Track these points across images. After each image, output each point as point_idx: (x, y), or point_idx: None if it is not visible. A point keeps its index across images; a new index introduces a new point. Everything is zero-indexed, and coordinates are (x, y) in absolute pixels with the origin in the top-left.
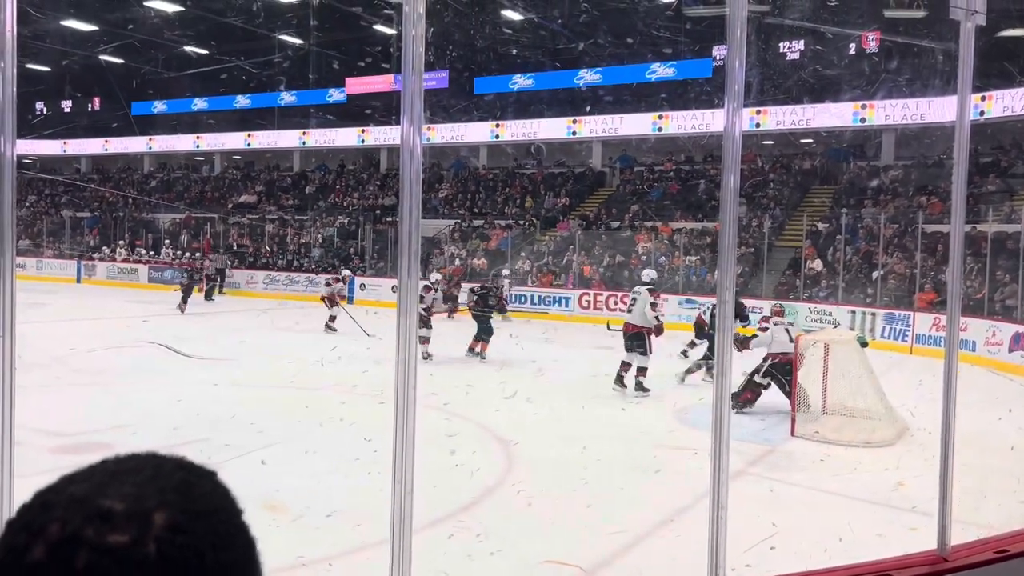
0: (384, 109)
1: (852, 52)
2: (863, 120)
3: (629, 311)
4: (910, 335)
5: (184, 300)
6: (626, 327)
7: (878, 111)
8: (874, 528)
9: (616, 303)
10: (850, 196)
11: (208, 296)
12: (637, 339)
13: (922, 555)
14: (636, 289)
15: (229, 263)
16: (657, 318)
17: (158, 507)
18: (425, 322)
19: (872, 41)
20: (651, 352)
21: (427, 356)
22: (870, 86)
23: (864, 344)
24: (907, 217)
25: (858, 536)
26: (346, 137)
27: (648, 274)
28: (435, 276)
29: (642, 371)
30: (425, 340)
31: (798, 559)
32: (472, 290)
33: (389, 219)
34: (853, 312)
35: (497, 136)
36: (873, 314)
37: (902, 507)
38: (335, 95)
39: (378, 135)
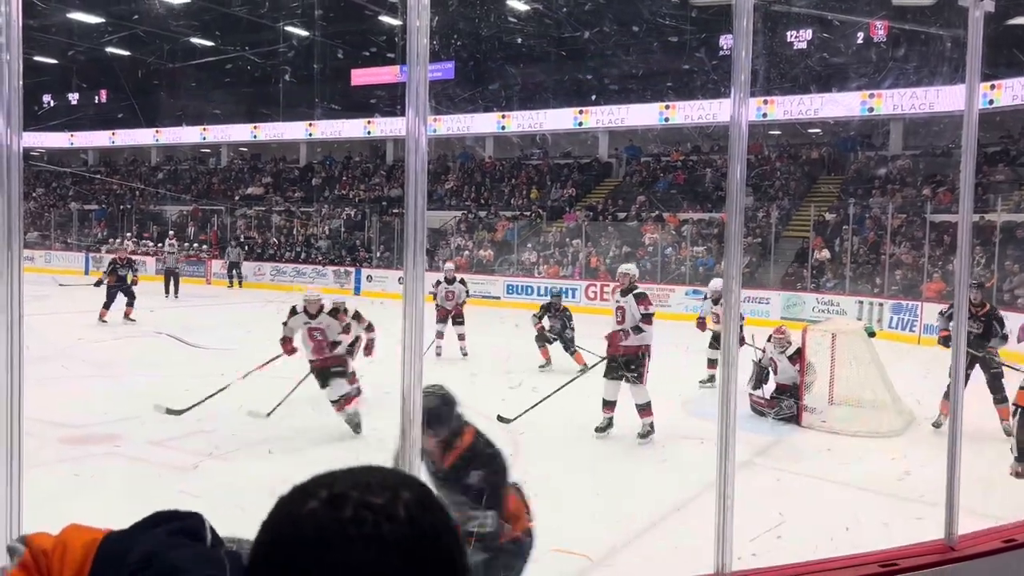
0: (389, 100)
1: (860, 41)
2: (871, 110)
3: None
4: (918, 325)
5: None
6: (615, 347)
7: (886, 100)
8: (881, 517)
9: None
10: (857, 186)
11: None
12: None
13: (929, 544)
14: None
15: (242, 255)
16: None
17: (403, 487)
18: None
19: (880, 29)
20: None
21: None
22: (878, 75)
23: (871, 334)
24: (915, 207)
25: (865, 526)
26: (352, 129)
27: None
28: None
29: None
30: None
31: (804, 548)
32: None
33: (395, 210)
34: (860, 302)
35: (503, 127)
36: (881, 304)
37: (909, 497)
38: (341, 86)
39: (384, 126)
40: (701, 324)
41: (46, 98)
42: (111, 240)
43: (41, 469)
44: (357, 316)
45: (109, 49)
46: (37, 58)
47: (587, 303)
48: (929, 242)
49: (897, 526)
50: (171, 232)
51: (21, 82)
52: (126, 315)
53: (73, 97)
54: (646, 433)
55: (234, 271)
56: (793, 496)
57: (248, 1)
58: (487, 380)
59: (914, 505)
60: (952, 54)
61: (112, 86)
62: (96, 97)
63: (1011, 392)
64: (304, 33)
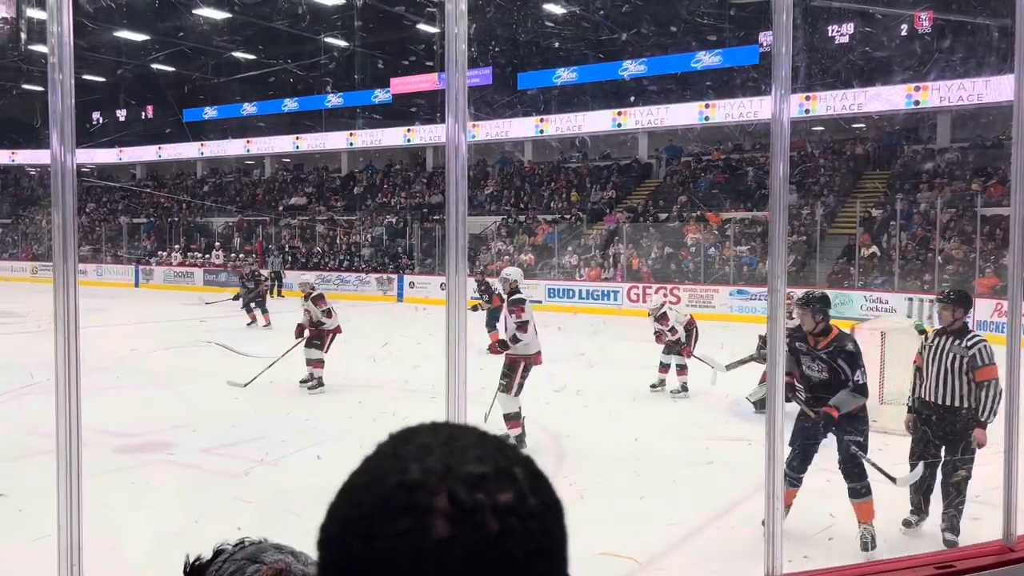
0: (429, 107)
1: (904, 33)
2: (916, 103)
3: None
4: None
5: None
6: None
7: (932, 93)
8: (936, 519)
9: (665, 296)
10: (904, 181)
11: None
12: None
13: (987, 545)
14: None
15: (283, 265)
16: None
17: (513, 464)
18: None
19: (924, 21)
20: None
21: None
22: (923, 67)
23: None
24: (964, 201)
25: (920, 527)
26: (392, 137)
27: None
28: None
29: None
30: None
31: (858, 550)
32: None
33: (436, 217)
34: (910, 299)
35: (542, 131)
36: (931, 301)
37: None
38: (380, 95)
39: (424, 134)
40: (659, 337)
41: (95, 115)
42: (160, 252)
43: (98, 478)
44: None
45: (155, 66)
46: (87, 76)
47: (629, 305)
48: (980, 236)
49: None
50: (217, 244)
51: (74, 101)
52: (265, 321)
53: (121, 114)
54: None
55: (275, 280)
56: (844, 497)
57: (289, 15)
58: (531, 384)
59: (971, 505)
60: (1000, 43)
61: (158, 102)
62: (143, 113)
63: None
64: (344, 44)
